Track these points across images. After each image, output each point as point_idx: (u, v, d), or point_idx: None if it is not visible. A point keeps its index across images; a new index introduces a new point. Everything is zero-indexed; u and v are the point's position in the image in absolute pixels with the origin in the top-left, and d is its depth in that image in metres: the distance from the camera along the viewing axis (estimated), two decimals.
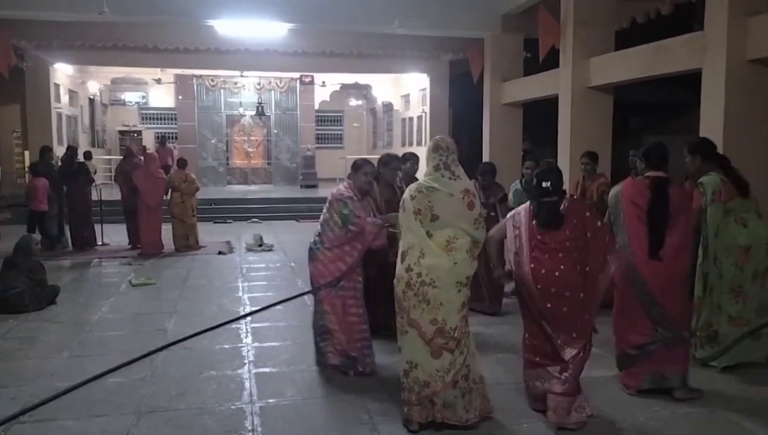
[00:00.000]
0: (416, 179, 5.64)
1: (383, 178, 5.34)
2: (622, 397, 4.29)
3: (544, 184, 3.92)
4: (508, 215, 4.20)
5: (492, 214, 6.17)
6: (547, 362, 3.91)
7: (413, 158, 6.14)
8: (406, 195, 3.82)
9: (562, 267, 3.81)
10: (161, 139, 17.42)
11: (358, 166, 4.74)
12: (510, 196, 6.89)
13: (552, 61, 10.78)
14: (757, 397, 4.32)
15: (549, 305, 3.82)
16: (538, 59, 11.06)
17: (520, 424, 3.88)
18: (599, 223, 3.95)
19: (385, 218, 4.68)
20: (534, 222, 3.93)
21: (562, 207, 3.90)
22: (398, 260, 3.78)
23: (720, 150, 6.14)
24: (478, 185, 6.23)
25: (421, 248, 3.67)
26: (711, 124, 7.17)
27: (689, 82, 9.12)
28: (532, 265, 3.85)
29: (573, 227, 3.86)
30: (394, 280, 3.77)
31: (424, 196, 3.71)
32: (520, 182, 7.21)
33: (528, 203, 4.05)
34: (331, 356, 4.68)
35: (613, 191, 4.49)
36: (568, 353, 3.82)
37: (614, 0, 10.13)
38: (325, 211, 4.67)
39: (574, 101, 10.09)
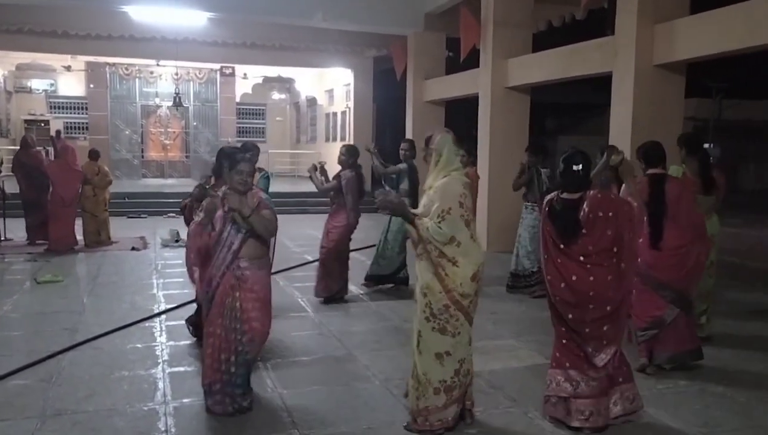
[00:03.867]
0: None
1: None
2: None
3: (575, 168, 3.60)
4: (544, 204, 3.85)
5: None
6: (577, 366, 3.68)
7: (254, 149, 5.64)
8: (458, 193, 3.51)
9: (591, 278, 3.56)
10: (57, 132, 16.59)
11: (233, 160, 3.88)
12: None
13: (473, 61, 10.99)
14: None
15: (570, 316, 3.65)
16: (460, 58, 11.24)
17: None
18: (632, 215, 3.70)
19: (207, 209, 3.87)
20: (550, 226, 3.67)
21: (582, 212, 3.57)
22: (459, 272, 3.50)
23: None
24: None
25: (476, 253, 3.59)
26: (620, 125, 7.52)
27: (601, 85, 9.52)
28: (549, 277, 3.67)
29: (599, 235, 3.55)
30: (457, 296, 3.51)
31: (470, 193, 3.66)
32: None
33: (554, 194, 3.73)
34: None
35: (621, 193, 4.64)
36: (600, 360, 3.62)
37: (532, 3, 10.42)
38: None
39: (494, 101, 10.33)
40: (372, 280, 7.35)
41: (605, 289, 3.58)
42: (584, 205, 3.58)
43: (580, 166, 3.61)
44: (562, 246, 3.63)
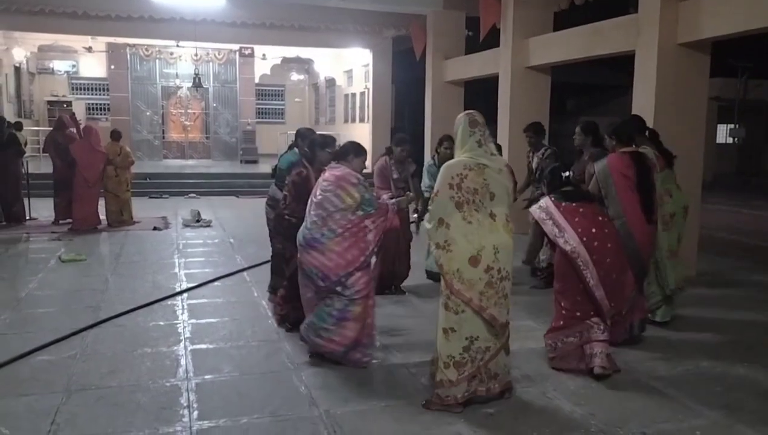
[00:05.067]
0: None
1: (318, 162, 4.85)
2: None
3: (564, 174, 4.56)
4: (534, 211, 4.47)
5: (404, 188, 6.09)
6: (586, 317, 4.28)
7: (333, 144, 5.09)
8: (450, 174, 3.56)
9: (606, 231, 4.31)
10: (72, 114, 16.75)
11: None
12: (424, 178, 6.59)
13: (493, 40, 10.87)
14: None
15: (602, 273, 4.19)
16: (480, 37, 11.12)
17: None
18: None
19: (397, 202, 4.64)
20: (565, 204, 4.33)
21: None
22: (454, 257, 3.54)
23: None
24: (391, 159, 6.17)
25: (493, 244, 3.54)
26: (642, 105, 7.39)
27: (623, 64, 9.38)
28: (584, 239, 4.20)
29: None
30: (461, 287, 3.54)
31: (478, 174, 3.54)
32: (433, 160, 6.75)
33: (547, 198, 4.47)
34: (336, 342, 4.26)
35: (599, 166, 4.68)
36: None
37: None
38: (328, 195, 4.21)
39: (514, 80, 10.22)
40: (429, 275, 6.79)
41: (618, 241, 4.33)
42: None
43: (567, 173, 4.71)
44: (582, 210, 4.32)
